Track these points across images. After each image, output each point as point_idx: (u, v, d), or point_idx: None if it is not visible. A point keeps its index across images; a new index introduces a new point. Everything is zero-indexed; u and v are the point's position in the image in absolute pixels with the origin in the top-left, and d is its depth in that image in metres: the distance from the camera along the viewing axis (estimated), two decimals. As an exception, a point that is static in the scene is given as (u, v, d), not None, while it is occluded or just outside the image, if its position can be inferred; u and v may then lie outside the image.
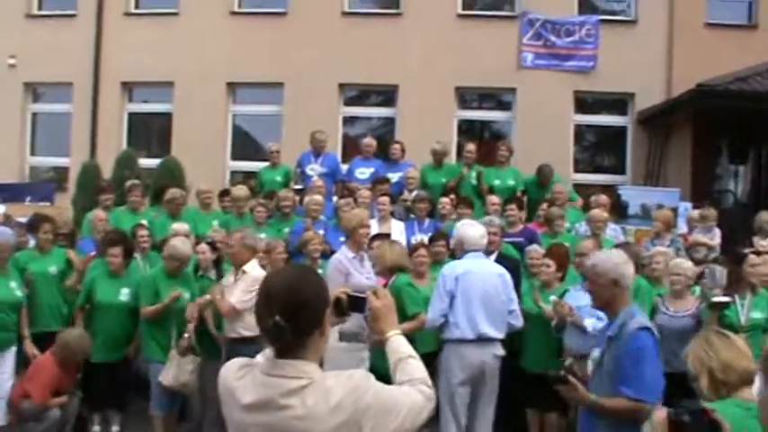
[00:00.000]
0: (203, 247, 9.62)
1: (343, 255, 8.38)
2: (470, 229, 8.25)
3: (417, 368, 3.21)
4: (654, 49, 16.96)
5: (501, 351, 7.85)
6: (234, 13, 18.01)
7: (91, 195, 13.89)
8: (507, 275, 8.09)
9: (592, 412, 5.02)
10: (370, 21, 17.64)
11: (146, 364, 9.07)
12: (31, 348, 9.06)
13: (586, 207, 12.93)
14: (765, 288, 8.41)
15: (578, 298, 7.99)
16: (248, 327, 8.01)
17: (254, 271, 8.30)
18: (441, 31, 17.20)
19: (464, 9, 17.70)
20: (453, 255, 9.36)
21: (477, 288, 7.80)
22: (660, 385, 4.95)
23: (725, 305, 8.02)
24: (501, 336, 7.91)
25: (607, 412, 4.89)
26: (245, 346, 7.67)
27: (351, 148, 16.96)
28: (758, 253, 10.91)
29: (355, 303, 3.32)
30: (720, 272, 8.27)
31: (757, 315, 8.03)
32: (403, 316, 7.47)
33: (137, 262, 9.94)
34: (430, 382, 3.17)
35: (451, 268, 7.96)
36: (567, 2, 17.40)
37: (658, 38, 17.01)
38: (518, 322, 8.02)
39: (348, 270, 8.19)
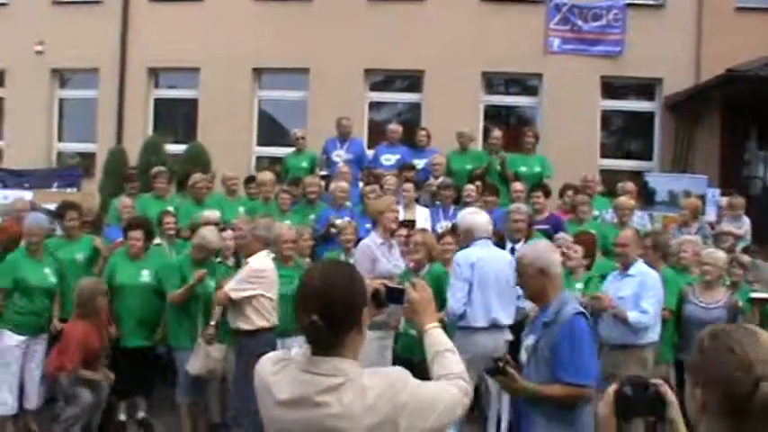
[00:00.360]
0: (228, 233, 9.66)
1: (372, 241, 8.50)
2: (478, 216, 8.30)
3: (455, 362, 3.21)
4: (682, 33, 16.76)
5: (510, 336, 7.93)
6: (259, -2, 17.99)
7: (118, 181, 14.02)
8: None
9: (528, 401, 5.00)
10: (395, 6, 17.48)
11: (171, 351, 9.09)
12: (57, 325, 9.09)
13: (611, 194, 12.94)
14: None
15: (619, 288, 7.94)
16: (247, 320, 7.90)
17: (256, 263, 8.07)
18: (466, 16, 17.09)
19: (490, -6, 17.58)
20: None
21: (491, 275, 7.90)
22: (596, 369, 5.02)
23: (766, 301, 7.98)
24: (511, 322, 8.03)
25: (546, 399, 4.87)
26: (251, 339, 7.74)
27: (376, 133, 16.86)
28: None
29: (393, 295, 3.31)
30: (764, 266, 8.25)
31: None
32: (441, 304, 7.69)
33: (162, 248, 9.99)
34: (467, 377, 3.17)
35: (465, 256, 8.03)
36: (595, -14, 17.21)
37: (687, 22, 16.81)
38: (527, 305, 8.03)
39: (376, 256, 8.31)
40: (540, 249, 5.29)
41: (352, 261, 8.64)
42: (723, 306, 8.15)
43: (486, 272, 7.89)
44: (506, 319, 7.96)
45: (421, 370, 3.32)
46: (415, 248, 8.95)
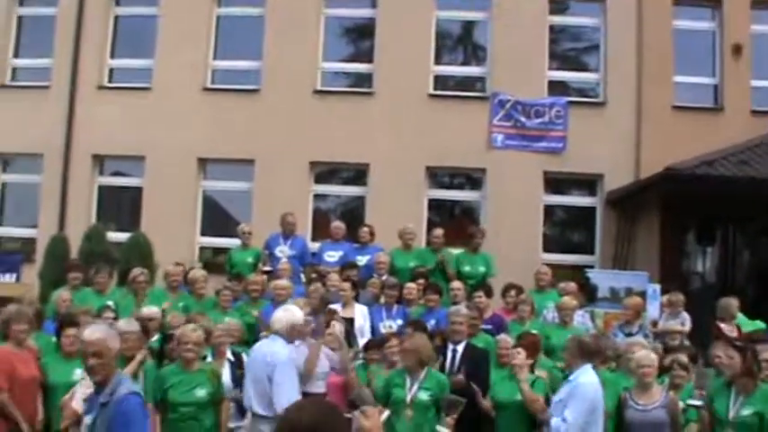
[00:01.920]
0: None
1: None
2: (280, 312, 8.62)
3: None
4: (622, 130, 17.17)
5: None
6: (207, 89, 18.08)
7: (59, 268, 13.89)
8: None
9: None
10: (342, 99, 17.76)
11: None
12: None
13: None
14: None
15: (561, 393, 7.95)
16: None
17: None
18: (412, 111, 17.35)
19: (435, 89, 17.89)
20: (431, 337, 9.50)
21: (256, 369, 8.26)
22: None
23: (698, 408, 8.04)
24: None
25: None
26: None
27: (321, 224, 16.94)
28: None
29: None
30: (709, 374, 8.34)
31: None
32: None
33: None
34: None
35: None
36: (537, 83, 17.58)
37: (627, 120, 17.24)
38: None
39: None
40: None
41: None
42: (661, 406, 8.15)
43: (253, 364, 8.32)
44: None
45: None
46: (405, 355, 8.84)
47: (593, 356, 8.09)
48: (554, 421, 7.67)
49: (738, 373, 7.77)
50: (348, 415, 3.42)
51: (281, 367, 7.96)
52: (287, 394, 7.74)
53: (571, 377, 7.85)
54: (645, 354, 8.65)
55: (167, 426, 7.98)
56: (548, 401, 8.30)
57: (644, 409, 8.18)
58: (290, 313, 8.51)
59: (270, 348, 8.22)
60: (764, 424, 7.67)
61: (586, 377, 7.73)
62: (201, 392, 8.01)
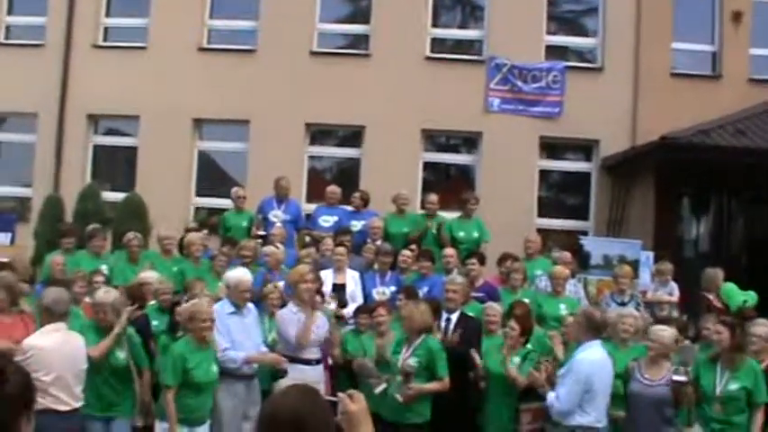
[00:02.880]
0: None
1: (289, 310, 8.86)
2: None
3: None
4: (619, 96, 17.11)
5: None
6: (202, 48, 17.98)
7: (54, 228, 13.90)
8: None
9: None
10: (339, 61, 17.67)
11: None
12: None
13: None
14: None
15: (564, 367, 8.00)
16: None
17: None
18: (408, 73, 17.27)
19: (432, 52, 17.78)
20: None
21: None
22: None
23: (683, 384, 8.04)
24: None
25: None
26: None
27: (316, 184, 16.95)
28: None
29: None
30: (691, 347, 8.36)
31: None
32: (432, 377, 8.37)
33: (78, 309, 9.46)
34: None
35: None
36: (534, 48, 17.49)
37: (624, 86, 17.17)
38: None
39: (293, 324, 8.74)
40: None
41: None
42: (665, 383, 8.14)
43: None
44: None
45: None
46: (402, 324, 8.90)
47: (600, 331, 8.13)
48: (549, 396, 7.75)
49: (726, 349, 7.80)
50: (334, 398, 3.42)
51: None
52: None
53: (576, 353, 7.90)
54: (655, 329, 8.60)
55: (183, 406, 7.85)
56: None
57: (649, 383, 8.18)
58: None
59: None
60: (751, 399, 7.73)
61: (586, 354, 7.74)
62: (215, 369, 8.03)
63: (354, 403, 3.34)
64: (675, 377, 8.02)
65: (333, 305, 10.26)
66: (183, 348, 7.93)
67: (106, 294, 8.23)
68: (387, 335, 9.25)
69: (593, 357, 7.74)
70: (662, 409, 8.02)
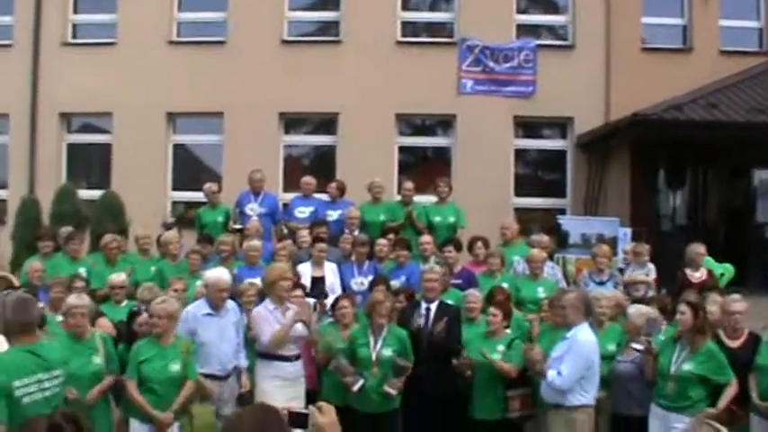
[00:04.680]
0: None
1: (265, 307, 8.76)
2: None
3: None
4: (591, 73, 17.15)
5: None
6: (172, 42, 17.89)
7: (31, 230, 13.89)
8: None
9: None
10: (309, 48, 17.62)
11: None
12: None
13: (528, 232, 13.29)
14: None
15: (557, 349, 8.05)
16: None
17: None
18: (380, 58, 17.24)
19: (403, 36, 17.76)
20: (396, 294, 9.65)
21: None
22: None
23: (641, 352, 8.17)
24: None
25: None
26: None
27: (293, 173, 16.90)
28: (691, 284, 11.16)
29: (297, 420, 3.32)
30: (658, 321, 8.42)
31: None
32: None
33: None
34: None
35: None
36: (505, 27, 17.49)
37: (596, 62, 17.20)
38: None
39: (269, 321, 8.62)
40: None
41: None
42: (630, 360, 8.29)
43: None
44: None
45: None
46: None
47: (590, 313, 8.25)
48: (550, 374, 7.81)
49: (688, 329, 7.84)
50: (305, 411, 3.44)
51: None
52: None
53: (568, 334, 7.96)
54: (632, 309, 8.72)
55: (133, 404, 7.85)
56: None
57: (618, 360, 8.37)
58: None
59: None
60: (716, 382, 7.79)
61: (584, 334, 7.88)
62: (175, 368, 7.89)
63: (324, 415, 3.36)
64: (634, 345, 8.16)
65: (312, 300, 10.24)
66: (140, 344, 8.01)
67: (77, 299, 8.08)
68: (350, 326, 9.27)
69: (591, 338, 7.92)
70: (626, 385, 8.21)
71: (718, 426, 6.56)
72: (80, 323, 7.86)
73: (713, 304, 8.86)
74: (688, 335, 7.84)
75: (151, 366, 7.81)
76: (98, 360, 7.85)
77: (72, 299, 8.12)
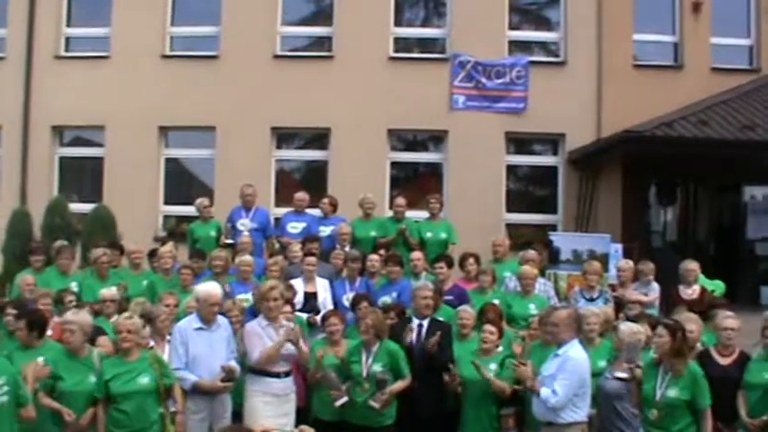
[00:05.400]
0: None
1: (258, 323, 8.76)
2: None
3: None
4: (583, 89, 17.22)
5: None
6: (165, 56, 17.89)
7: (23, 243, 13.88)
8: None
9: None
10: (302, 63, 17.66)
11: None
12: None
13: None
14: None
15: (548, 367, 8.03)
16: None
17: None
18: (372, 74, 17.28)
19: (395, 51, 17.81)
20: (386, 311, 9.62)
21: None
22: None
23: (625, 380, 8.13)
24: None
25: None
26: None
27: (285, 188, 17.00)
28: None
29: None
30: (638, 347, 8.36)
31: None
32: (396, 378, 8.60)
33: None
34: None
35: None
36: (498, 43, 17.54)
37: (587, 78, 17.27)
38: None
39: (262, 338, 8.60)
40: None
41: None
42: (617, 377, 8.26)
43: None
44: None
45: None
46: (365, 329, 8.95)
47: (581, 330, 8.27)
48: (543, 392, 7.77)
49: (667, 353, 7.84)
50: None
51: None
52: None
53: (560, 351, 7.94)
54: (622, 327, 8.68)
55: (111, 421, 7.66)
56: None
57: (606, 377, 8.32)
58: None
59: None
60: (695, 406, 7.78)
61: (575, 352, 7.84)
62: (145, 380, 7.72)
63: None
64: (618, 374, 8.13)
65: (305, 315, 10.23)
66: (104, 363, 7.81)
67: (72, 315, 8.05)
68: (340, 343, 9.27)
69: (583, 355, 7.88)
70: (612, 403, 8.10)
71: None
72: (69, 339, 7.79)
73: (692, 323, 8.82)
74: (668, 360, 7.84)
75: (119, 383, 7.65)
76: (94, 379, 7.76)
77: (68, 314, 8.13)
